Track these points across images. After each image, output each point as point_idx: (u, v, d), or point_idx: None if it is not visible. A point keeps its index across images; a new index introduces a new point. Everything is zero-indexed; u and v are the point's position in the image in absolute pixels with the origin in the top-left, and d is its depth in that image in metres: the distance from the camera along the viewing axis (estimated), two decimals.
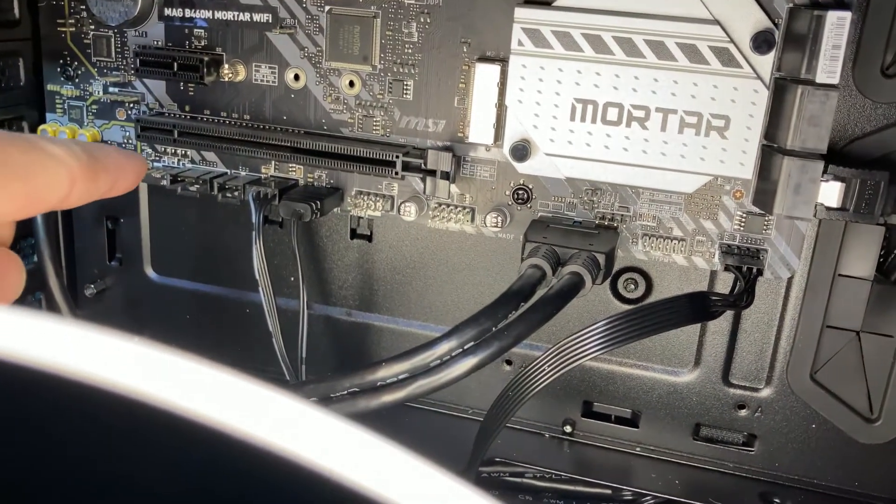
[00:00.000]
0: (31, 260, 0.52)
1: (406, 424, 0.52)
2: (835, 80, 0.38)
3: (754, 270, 0.42)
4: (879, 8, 0.40)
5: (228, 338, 0.56)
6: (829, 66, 0.38)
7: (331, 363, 0.55)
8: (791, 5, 0.40)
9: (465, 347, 0.36)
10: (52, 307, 0.49)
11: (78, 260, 0.58)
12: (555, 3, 0.42)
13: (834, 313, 0.45)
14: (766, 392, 0.48)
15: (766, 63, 0.40)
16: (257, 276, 0.46)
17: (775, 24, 0.40)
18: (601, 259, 0.41)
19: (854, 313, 0.45)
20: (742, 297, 0.42)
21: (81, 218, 0.57)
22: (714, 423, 0.50)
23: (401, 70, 0.46)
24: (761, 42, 0.40)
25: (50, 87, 0.52)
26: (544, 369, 0.38)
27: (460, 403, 0.54)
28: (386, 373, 0.36)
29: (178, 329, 0.57)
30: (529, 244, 0.42)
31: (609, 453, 0.51)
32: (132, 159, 0.32)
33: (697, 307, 0.41)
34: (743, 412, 0.49)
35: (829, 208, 0.40)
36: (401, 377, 0.36)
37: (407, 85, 0.46)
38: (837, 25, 0.37)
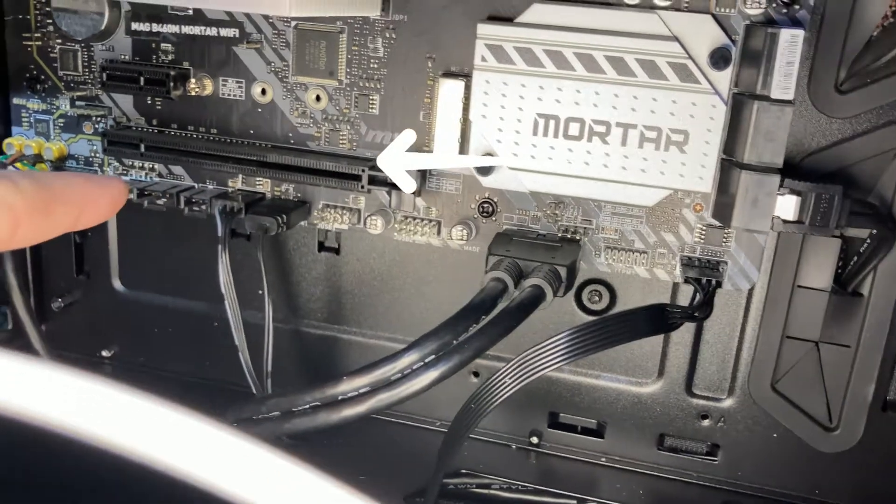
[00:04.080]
0: None
1: (375, 436, 0.53)
2: (789, 96, 0.39)
3: (713, 282, 0.43)
4: (832, 26, 0.41)
5: (196, 351, 0.56)
6: (784, 82, 0.39)
7: (299, 376, 0.55)
8: (748, 23, 0.40)
9: (426, 361, 0.36)
10: (16, 321, 0.49)
11: (45, 273, 0.58)
12: (517, 20, 0.42)
13: (793, 324, 0.46)
14: (728, 402, 0.49)
15: (723, 79, 0.41)
16: (223, 290, 0.46)
17: (732, 41, 0.41)
18: (563, 272, 0.41)
19: (812, 324, 0.46)
20: (700, 309, 0.42)
21: None
22: (678, 433, 0.50)
23: (367, 85, 0.46)
24: (718, 58, 0.40)
25: (16, 100, 0.52)
26: (506, 381, 0.38)
27: (429, 416, 0.54)
28: (347, 387, 0.36)
29: (147, 342, 0.57)
30: (493, 257, 0.42)
31: (575, 464, 0.51)
32: (105, 187, 0.28)
33: (656, 319, 0.41)
34: (706, 422, 0.50)
35: (785, 221, 0.41)
36: (362, 391, 0.36)
37: (373, 99, 0.47)
38: (791, 43, 0.38)
